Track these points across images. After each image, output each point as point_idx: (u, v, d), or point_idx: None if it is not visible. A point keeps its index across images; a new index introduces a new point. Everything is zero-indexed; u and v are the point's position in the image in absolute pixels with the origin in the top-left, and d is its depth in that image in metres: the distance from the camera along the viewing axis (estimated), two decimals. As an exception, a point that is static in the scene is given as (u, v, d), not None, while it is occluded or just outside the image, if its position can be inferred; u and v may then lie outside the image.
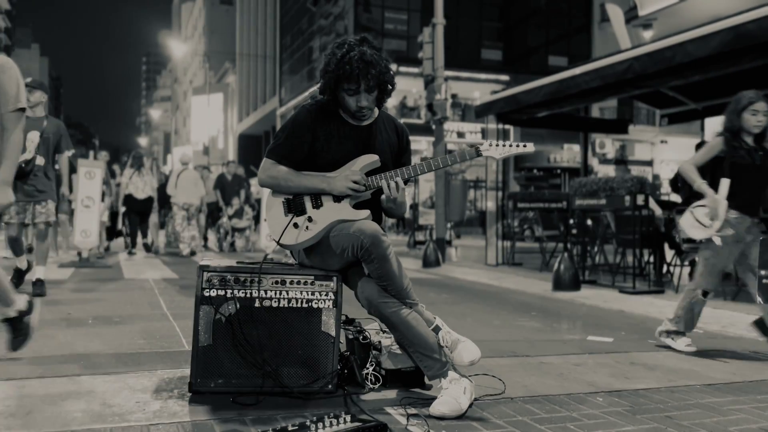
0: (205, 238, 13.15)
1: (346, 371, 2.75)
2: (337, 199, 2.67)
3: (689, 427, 2.39)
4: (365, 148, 2.73)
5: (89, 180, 8.42)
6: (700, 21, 10.65)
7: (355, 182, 2.62)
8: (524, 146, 2.65)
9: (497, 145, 2.66)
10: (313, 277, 2.67)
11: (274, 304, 2.64)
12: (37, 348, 3.37)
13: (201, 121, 44.05)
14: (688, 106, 9.88)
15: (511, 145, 2.66)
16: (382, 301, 2.55)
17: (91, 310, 4.86)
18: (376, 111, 2.80)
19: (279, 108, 37.30)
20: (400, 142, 2.86)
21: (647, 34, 11.84)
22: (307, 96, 32.23)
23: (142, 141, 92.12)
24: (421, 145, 25.78)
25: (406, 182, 2.72)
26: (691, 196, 8.08)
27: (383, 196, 2.68)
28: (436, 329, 2.61)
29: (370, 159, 2.71)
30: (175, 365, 3.07)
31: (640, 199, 6.78)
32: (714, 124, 11.56)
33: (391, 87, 2.68)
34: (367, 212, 2.66)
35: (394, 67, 2.75)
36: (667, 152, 28.23)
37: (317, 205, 2.68)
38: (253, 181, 14.48)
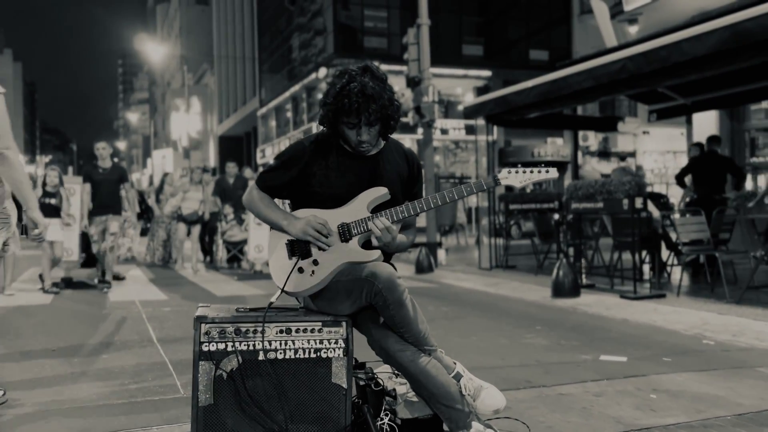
0: (207, 253, 11.52)
1: (357, 422, 2.54)
2: (345, 239, 2.45)
3: (734, 476, 2.23)
4: (371, 179, 2.51)
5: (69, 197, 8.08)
6: (686, 15, 10.64)
7: (316, 229, 2.38)
8: (546, 171, 2.45)
9: (516, 173, 2.46)
10: (320, 324, 2.46)
11: (280, 356, 2.42)
12: (24, 393, 3.12)
13: (180, 124, 43.39)
14: (677, 101, 9.79)
15: (531, 172, 2.46)
16: (398, 350, 2.35)
17: (75, 340, 4.59)
18: (382, 141, 2.58)
19: (259, 109, 36.89)
20: (410, 171, 2.63)
21: (633, 30, 11.75)
22: (288, 96, 31.92)
23: (121, 145, 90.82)
24: (405, 143, 25.55)
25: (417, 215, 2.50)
26: (712, 192, 8.05)
27: (372, 238, 2.45)
28: (457, 376, 2.41)
29: (378, 193, 2.49)
30: (171, 419, 2.85)
31: (638, 202, 6.64)
32: (702, 119, 11.56)
33: (394, 122, 2.47)
34: (377, 253, 2.44)
35: (400, 98, 2.53)
36: (650, 143, 28.31)
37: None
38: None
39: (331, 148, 2.52)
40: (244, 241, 10.38)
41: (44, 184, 7.61)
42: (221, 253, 10.95)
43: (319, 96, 2.54)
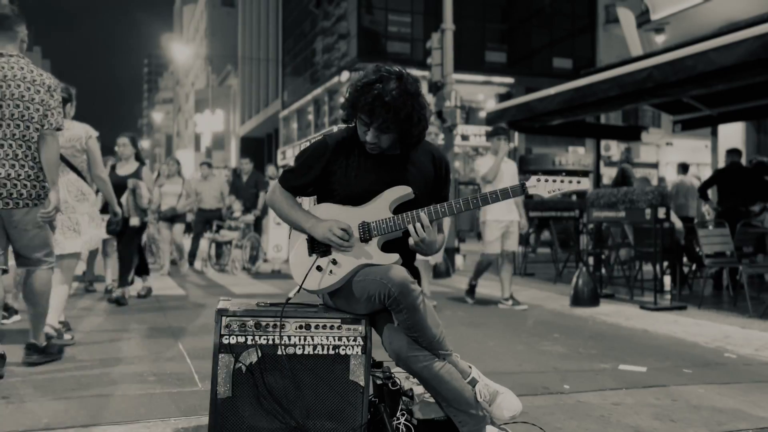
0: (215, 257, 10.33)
1: (374, 420, 2.54)
2: (364, 239, 2.45)
3: (756, 490, 2.19)
4: (392, 179, 2.48)
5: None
6: (714, 26, 10.50)
7: (337, 235, 2.38)
8: (578, 182, 2.39)
9: (546, 181, 2.41)
10: (339, 321, 2.46)
11: (299, 351, 2.43)
12: (41, 381, 3.18)
13: (203, 124, 43.74)
14: (703, 112, 9.67)
15: (562, 181, 2.40)
16: (411, 354, 2.33)
17: (93, 335, 4.66)
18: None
19: (282, 111, 37.13)
20: (437, 173, 2.58)
21: (659, 39, 11.63)
22: (310, 99, 32.11)
23: (145, 143, 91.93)
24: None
25: (440, 228, 2.48)
26: (737, 204, 7.95)
27: (410, 239, 2.42)
28: (473, 382, 2.40)
29: (402, 192, 2.48)
30: (189, 410, 2.87)
31: (661, 212, 6.57)
32: (728, 131, 11.40)
33: (417, 134, 2.43)
34: (396, 257, 2.43)
35: (430, 109, 2.50)
36: (673, 154, 27.97)
37: (343, 245, 2.46)
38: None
39: (353, 146, 2.50)
40: (232, 240, 9.66)
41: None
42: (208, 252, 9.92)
43: (341, 100, 2.52)
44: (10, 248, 3.62)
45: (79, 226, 4.50)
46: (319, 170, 2.49)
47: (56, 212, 3.56)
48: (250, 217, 10.03)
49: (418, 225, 2.37)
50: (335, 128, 2.63)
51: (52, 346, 3.85)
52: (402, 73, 2.37)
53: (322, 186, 2.52)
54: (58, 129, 3.55)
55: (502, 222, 6.52)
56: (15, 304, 5.09)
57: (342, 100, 2.46)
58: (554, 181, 2.39)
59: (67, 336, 4.39)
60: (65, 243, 4.41)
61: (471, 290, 6.99)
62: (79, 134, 4.55)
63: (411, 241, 2.41)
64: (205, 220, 10.16)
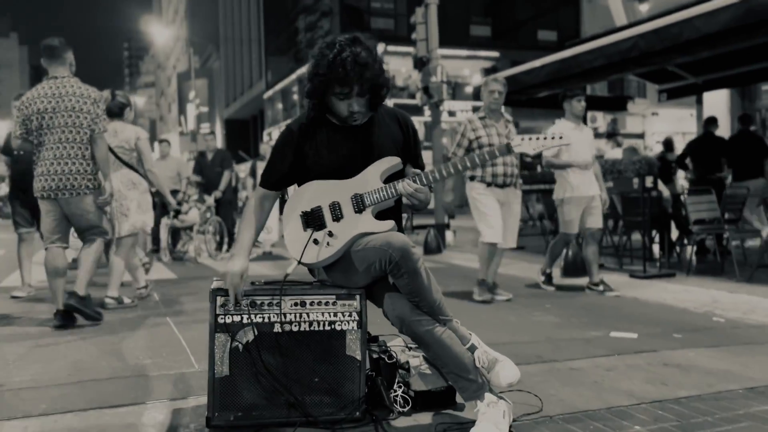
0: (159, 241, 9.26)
1: (372, 394, 2.57)
2: (359, 209, 2.47)
3: (747, 446, 2.24)
4: (364, 149, 2.51)
5: None
6: (699, -8, 10.49)
7: (232, 289, 2.39)
8: (560, 138, 2.45)
9: (530, 139, 2.47)
10: (334, 297, 2.48)
11: (295, 329, 2.45)
12: (36, 368, 3.18)
13: (187, 108, 43.23)
14: (688, 80, 9.69)
15: (545, 138, 2.46)
16: (415, 319, 2.36)
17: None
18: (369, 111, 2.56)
19: (266, 92, 36.77)
20: (405, 135, 2.62)
21: (643, 8, 11.63)
22: (294, 79, 31.79)
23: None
24: (412, 125, 25.45)
25: (430, 186, 2.51)
26: (706, 173, 8.04)
27: (405, 201, 2.50)
28: (472, 348, 2.43)
29: (391, 162, 2.50)
30: (186, 390, 2.88)
31: (648, 182, 6.61)
32: (713, 99, 11.43)
33: (386, 90, 2.47)
34: (391, 223, 2.46)
35: (387, 63, 2.54)
36: (659, 124, 28.08)
37: (337, 217, 2.47)
38: (243, 167, 13.11)
39: (319, 125, 2.53)
40: (193, 226, 8.84)
41: None
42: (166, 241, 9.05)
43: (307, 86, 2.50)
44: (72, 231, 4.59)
45: (129, 210, 5.30)
46: (291, 156, 2.52)
47: (111, 197, 4.50)
48: (210, 200, 9.23)
49: (407, 188, 2.42)
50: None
51: (91, 306, 4.48)
52: (354, 36, 2.42)
53: (298, 171, 2.54)
54: (105, 131, 4.49)
55: (583, 198, 5.79)
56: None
57: (308, 86, 2.45)
58: (537, 139, 2.46)
59: (126, 300, 5.23)
60: (119, 227, 5.28)
61: (548, 278, 6.21)
62: (129, 136, 5.33)
63: (404, 199, 2.47)
64: (162, 204, 8.33)
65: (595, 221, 5.88)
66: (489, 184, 5.36)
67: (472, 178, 5.44)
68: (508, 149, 2.47)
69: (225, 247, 9.16)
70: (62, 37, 4.56)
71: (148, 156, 5.47)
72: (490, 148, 2.49)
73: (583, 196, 5.78)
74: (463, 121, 5.54)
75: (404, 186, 2.42)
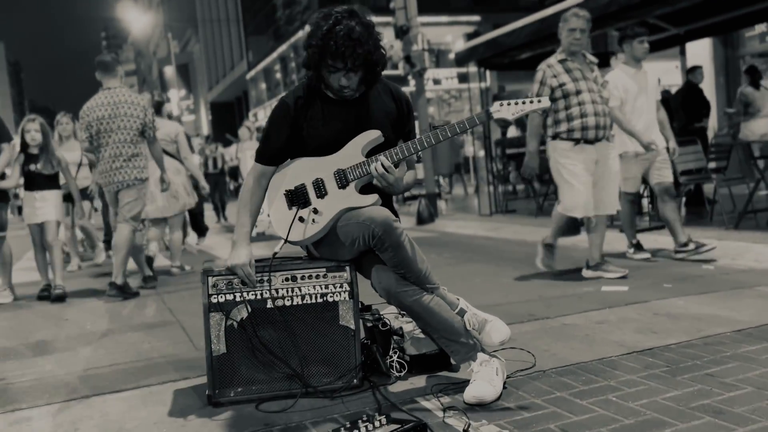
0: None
1: (368, 361, 2.62)
2: (342, 185, 2.48)
3: (734, 385, 2.30)
4: (358, 123, 2.51)
5: None
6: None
7: (244, 273, 2.43)
8: (539, 101, 2.44)
9: (509, 104, 2.46)
10: (324, 269, 2.51)
11: (287, 303, 2.49)
12: (41, 358, 3.21)
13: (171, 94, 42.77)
14: (669, 31, 9.64)
15: (524, 103, 2.46)
16: (401, 290, 2.40)
17: (87, 306, 4.68)
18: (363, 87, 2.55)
19: (248, 72, 36.36)
20: (399, 110, 2.61)
21: (622, -39, 11.47)
22: (276, 57, 31.43)
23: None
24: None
25: (417, 159, 2.52)
26: (688, 123, 8.08)
27: (374, 181, 2.45)
28: (461, 312, 2.48)
29: (371, 136, 2.51)
30: (187, 371, 2.93)
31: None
32: (696, 49, 11.41)
33: (380, 68, 2.45)
34: (375, 197, 2.48)
35: (384, 41, 2.51)
36: (645, 78, 28.03)
37: (321, 194, 2.49)
38: (224, 150, 12.73)
39: (314, 98, 2.52)
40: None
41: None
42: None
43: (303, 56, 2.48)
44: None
45: (177, 193, 6.09)
46: (288, 130, 2.51)
47: (168, 185, 5.47)
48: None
49: (378, 165, 2.40)
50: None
51: (128, 286, 5.10)
52: (352, 9, 2.38)
53: (294, 144, 2.54)
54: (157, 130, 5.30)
55: (645, 152, 4.99)
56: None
57: (304, 55, 2.44)
58: (516, 103, 2.44)
59: (187, 267, 6.34)
60: (169, 207, 6.08)
61: (638, 245, 5.42)
62: (169, 131, 6.14)
63: (376, 183, 2.45)
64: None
65: (664, 175, 5.14)
66: (577, 141, 4.46)
67: (554, 137, 4.56)
68: (487, 116, 2.46)
69: (188, 238, 8.26)
70: (114, 53, 5.40)
71: (186, 148, 6.29)
72: (470, 116, 2.45)
73: (644, 150, 4.95)
74: (540, 66, 4.66)
75: (376, 166, 2.40)
